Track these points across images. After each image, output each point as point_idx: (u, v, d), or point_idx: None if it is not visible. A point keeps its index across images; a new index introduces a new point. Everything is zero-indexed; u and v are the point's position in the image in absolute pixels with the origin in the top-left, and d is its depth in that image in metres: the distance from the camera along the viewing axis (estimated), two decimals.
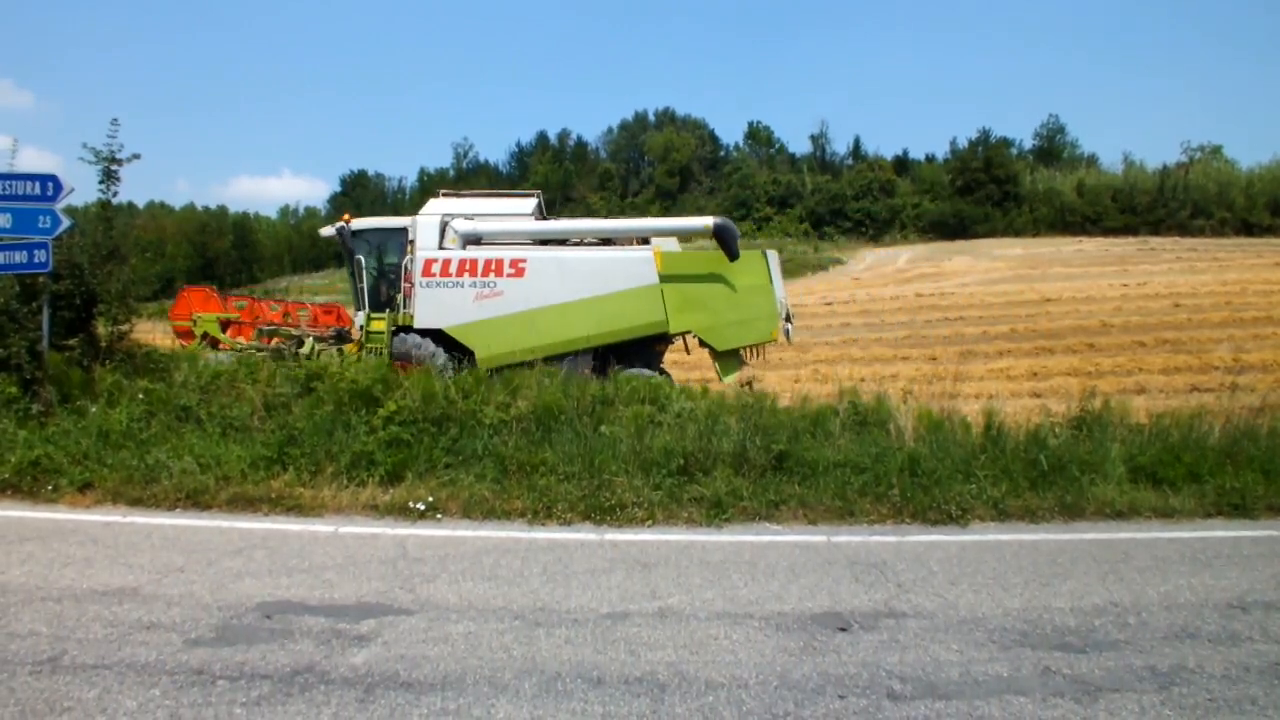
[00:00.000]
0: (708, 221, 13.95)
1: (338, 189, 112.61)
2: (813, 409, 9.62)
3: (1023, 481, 7.79)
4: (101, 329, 10.60)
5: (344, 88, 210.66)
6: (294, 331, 16.83)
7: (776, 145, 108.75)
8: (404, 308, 13.91)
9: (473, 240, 13.85)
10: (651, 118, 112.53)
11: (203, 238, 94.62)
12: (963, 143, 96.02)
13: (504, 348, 13.18)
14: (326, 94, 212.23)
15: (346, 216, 14.72)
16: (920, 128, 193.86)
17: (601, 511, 7.17)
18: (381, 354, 13.29)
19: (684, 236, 14.83)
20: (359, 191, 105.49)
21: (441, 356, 13.19)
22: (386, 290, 14.37)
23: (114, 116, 10.54)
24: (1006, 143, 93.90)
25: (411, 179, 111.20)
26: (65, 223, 9.59)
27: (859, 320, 31.44)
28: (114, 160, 10.49)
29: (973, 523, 7.15)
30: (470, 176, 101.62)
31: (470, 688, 4.03)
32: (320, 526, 6.91)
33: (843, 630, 4.81)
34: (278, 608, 5.07)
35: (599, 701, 3.91)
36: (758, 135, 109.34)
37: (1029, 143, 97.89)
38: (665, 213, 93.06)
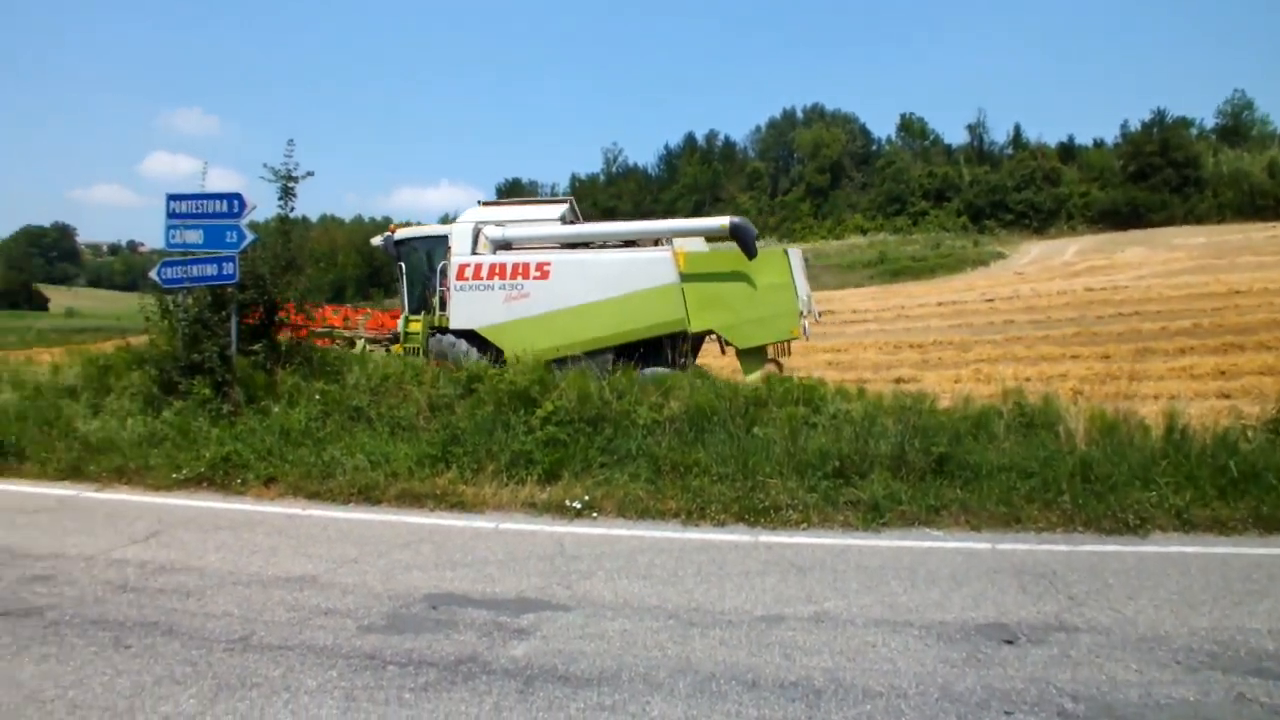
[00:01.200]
0: (724, 221, 14.02)
1: (493, 197, 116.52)
2: (975, 410, 9.22)
3: (1210, 489, 7.18)
4: (282, 335, 11.39)
5: (498, 98, 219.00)
6: (346, 333, 17.94)
7: (931, 137, 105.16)
8: (441, 310, 14.63)
9: (503, 245, 14.39)
10: (800, 114, 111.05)
11: (371, 248, 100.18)
12: (1135, 125, 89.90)
13: (531, 347, 13.38)
14: (482, 104, 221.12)
15: (393, 227, 15.73)
16: (1086, 111, 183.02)
17: (755, 513, 7.12)
18: (417, 352, 14.10)
19: (707, 236, 14.84)
20: (513, 199, 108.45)
21: (474, 355, 13.62)
22: (429, 294, 15.16)
23: (289, 138, 11.30)
24: (1185, 123, 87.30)
25: (564, 184, 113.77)
26: (249, 237, 10.39)
27: (1023, 317, 29.87)
28: (290, 178, 11.19)
29: (1153, 533, 6.67)
30: (620, 180, 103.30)
31: (626, 684, 4.08)
32: (482, 523, 7.18)
33: (1009, 643, 4.57)
34: (443, 599, 5.29)
35: (753, 705, 3.88)
36: (910, 127, 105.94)
37: (1210, 121, 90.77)
38: (815, 211, 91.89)
